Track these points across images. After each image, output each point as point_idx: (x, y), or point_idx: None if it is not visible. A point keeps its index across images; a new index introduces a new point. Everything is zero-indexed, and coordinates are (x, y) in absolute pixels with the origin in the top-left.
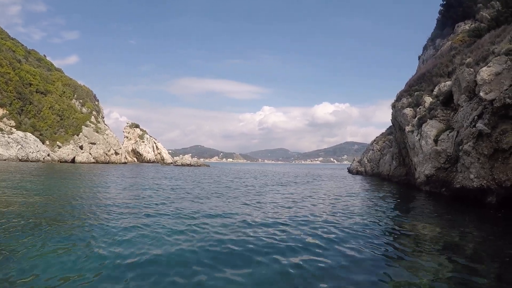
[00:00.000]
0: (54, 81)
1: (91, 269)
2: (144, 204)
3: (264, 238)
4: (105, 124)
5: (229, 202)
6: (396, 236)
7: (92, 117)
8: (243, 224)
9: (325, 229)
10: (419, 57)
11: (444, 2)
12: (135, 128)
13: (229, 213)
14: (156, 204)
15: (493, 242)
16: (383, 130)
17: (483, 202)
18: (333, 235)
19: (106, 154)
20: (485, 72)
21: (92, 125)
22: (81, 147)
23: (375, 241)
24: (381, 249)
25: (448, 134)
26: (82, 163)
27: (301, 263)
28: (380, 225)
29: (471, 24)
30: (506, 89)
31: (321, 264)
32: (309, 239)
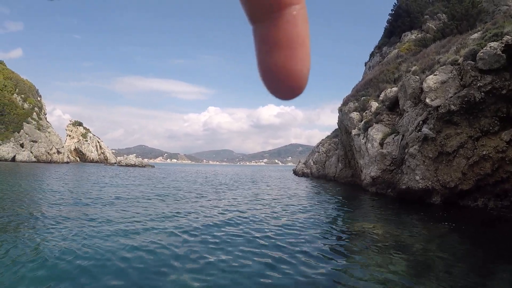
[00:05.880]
0: None
1: None
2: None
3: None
4: (47, 122)
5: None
6: (346, 235)
7: (34, 113)
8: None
9: (276, 230)
10: (365, 64)
11: (393, 12)
12: (78, 126)
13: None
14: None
15: (440, 239)
16: (327, 132)
17: (428, 202)
18: (284, 236)
19: (48, 153)
20: (431, 80)
21: (34, 122)
22: (22, 145)
23: (326, 241)
24: (332, 248)
25: (393, 138)
26: (23, 162)
27: (256, 264)
28: (330, 225)
29: (418, 34)
30: (451, 97)
31: (269, 261)
32: (260, 240)
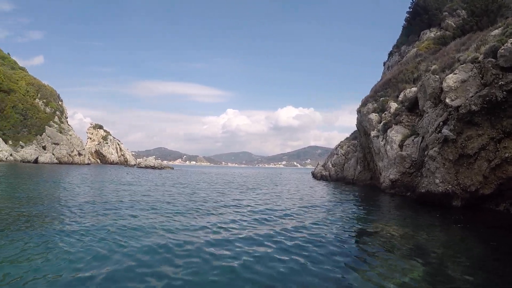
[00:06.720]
0: (17, 80)
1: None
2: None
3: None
4: (68, 125)
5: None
6: (366, 238)
7: (56, 117)
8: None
9: (296, 231)
10: (384, 63)
11: (411, 10)
12: (98, 129)
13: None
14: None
15: (458, 244)
16: (346, 134)
17: (448, 206)
18: (304, 238)
19: (69, 155)
20: (451, 79)
21: (56, 125)
22: (44, 148)
23: (346, 243)
24: (352, 250)
25: (413, 140)
26: (45, 163)
27: (275, 267)
28: (350, 227)
29: (437, 32)
30: (472, 96)
31: (293, 266)
32: (280, 241)
